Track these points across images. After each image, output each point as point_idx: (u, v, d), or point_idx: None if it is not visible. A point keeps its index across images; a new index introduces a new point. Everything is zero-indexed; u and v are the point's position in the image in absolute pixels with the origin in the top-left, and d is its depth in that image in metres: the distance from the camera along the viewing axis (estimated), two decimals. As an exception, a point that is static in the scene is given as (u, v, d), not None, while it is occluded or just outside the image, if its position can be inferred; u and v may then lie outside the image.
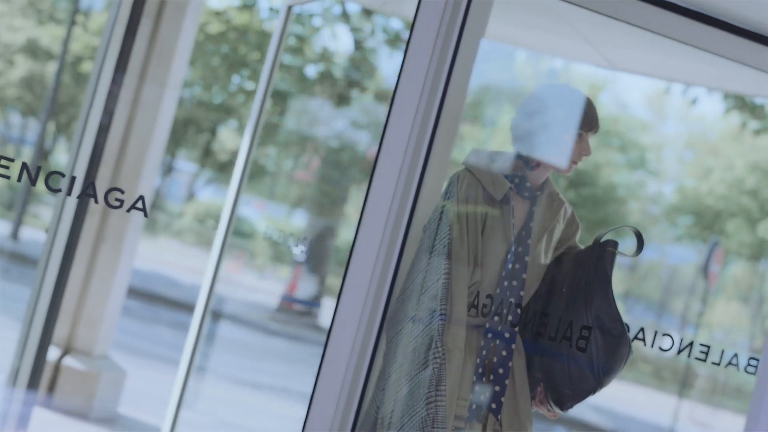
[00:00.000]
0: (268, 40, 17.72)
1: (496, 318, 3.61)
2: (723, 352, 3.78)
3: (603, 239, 3.72)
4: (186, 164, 33.17)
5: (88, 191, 3.53)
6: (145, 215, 3.34)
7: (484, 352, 3.59)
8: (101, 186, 6.27)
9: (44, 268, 4.58)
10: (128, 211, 3.32)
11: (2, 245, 16.32)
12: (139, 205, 3.31)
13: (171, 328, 14.17)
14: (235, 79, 19.49)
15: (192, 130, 27.78)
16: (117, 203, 3.34)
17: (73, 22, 19.68)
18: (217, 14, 17.89)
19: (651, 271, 28.12)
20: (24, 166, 3.45)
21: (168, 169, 31.48)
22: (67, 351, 6.39)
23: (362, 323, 3.51)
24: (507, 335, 3.60)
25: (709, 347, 3.76)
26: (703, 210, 25.11)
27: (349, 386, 3.48)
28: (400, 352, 3.54)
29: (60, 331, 6.32)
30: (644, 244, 3.74)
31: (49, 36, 23.81)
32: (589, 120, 3.80)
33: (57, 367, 6.32)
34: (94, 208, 6.10)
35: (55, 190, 3.82)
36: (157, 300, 16.22)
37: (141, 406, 8.16)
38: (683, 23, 3.91)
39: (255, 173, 26.78)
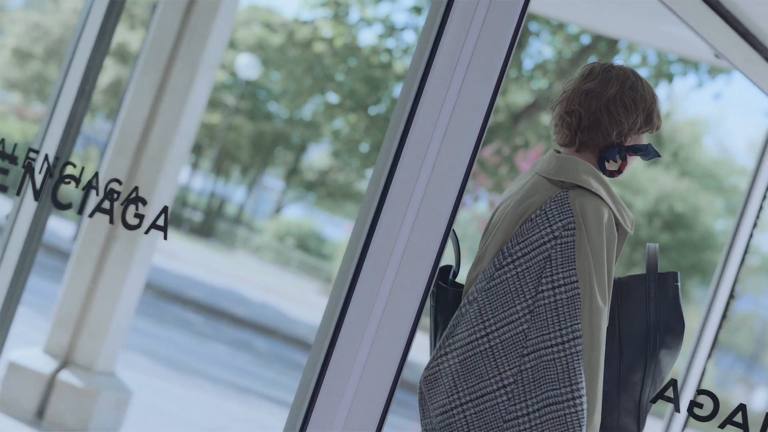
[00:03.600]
0: (358, 54, 17.10)
1: None
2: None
3: (659, 270, 2.87)
4: (274, 181, 32.81)
5: (54, 194, 2.81)
6: (165, 237, 2.57)
7: None
8: (119, 176, 5.54)
9: None
10: (146, 232, 2.56)
11: (66, 247, 15.81)
12: (161, 221, 2.55)
13: (229, 347, 13.49)
14: (321, 93, 18.85)
15: (280, 146, 27.35)
16: (136, 222, 2.59)
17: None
18: (304, 24, 17.30)
19: (743, 323, 27.09)
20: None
21: (252, 183, 31.12)
22: (64, 364, 5.65)
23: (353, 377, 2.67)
24: None
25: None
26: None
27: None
28: None
29: (59, 339, 5.59)
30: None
31: (139, 41, 23.48)
32: (657, 117, 2.96)
33: (51, 382, 5.58)
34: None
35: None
36: (221, 316, 15.58)
37: (152, 428, 7.48)
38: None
39: (343, 194, 26.25)
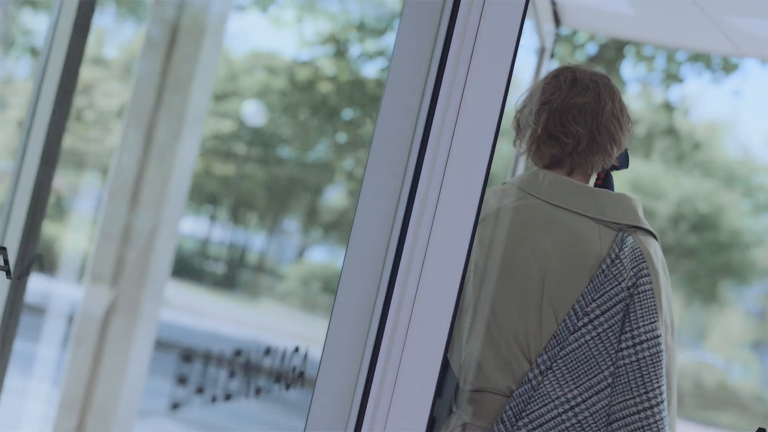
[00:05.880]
0: (362, 89, 16.89)
1: None
2: None
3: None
4: (294, 224, 32.59)
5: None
6: (8, 276, 2.28)
7: None
8: (111, 244, 5.27)
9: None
10: None
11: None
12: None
13: (259, 400, 13.17)
14: (331, 133, 18.66)
15: (296, 189, 27.17)
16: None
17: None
18: (304, 64, 17.12)
19: (783, 320, 26.70)
20: None
21: (272, 229, 30.89)
22: (74, 449, 5.37)
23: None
24: None
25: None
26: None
27: None
28: None
29: (65, 425, 5.30)
30: None
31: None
32: None
33: (61, 470, 5.29)
34: (103, 274, 5.08)
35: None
36: (249, 369, 15.26)
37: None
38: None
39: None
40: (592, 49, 14.73)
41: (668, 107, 15.86)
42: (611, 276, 2.37)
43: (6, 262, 2.29)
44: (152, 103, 5.07)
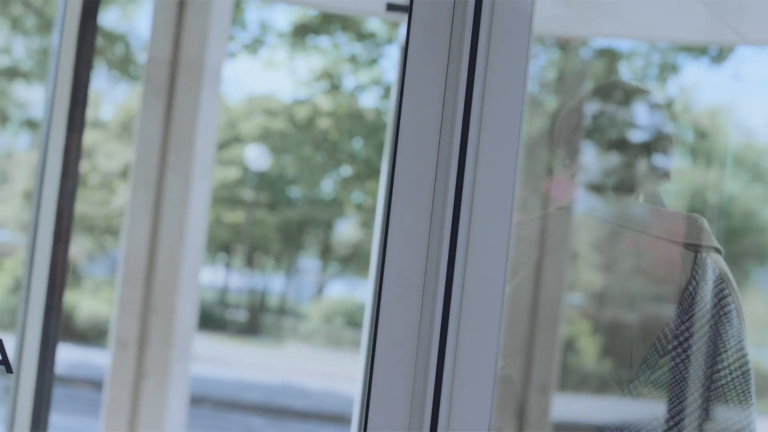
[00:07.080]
0: (362, 120, 16.84)
1: None
2: None
3: None
4: (310, 262, 32.42)
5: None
6: (9, 370, 2.18)
7: None
8: (133, 309, 5.19)
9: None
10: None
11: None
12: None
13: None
14: (336, 167, 18.59)
15: (308, 228, 27.09)
16: None
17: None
18: (302, 103, 17.08)
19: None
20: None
21: (288, 270, 30.74)
22: None
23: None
24: None
25: None
26: None
27: None
28: None
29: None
30: None
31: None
32: None
33: None
34: (129, 339, 5.00)
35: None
36: (283, 414, 15.18)
37: None
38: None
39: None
40: (586, 53, 14.66)
41: (670, 103, 15.75)
42: (699, 298, 2.34)
43: (4, 354, 2.19)
44: (157, 160, 5.00)
